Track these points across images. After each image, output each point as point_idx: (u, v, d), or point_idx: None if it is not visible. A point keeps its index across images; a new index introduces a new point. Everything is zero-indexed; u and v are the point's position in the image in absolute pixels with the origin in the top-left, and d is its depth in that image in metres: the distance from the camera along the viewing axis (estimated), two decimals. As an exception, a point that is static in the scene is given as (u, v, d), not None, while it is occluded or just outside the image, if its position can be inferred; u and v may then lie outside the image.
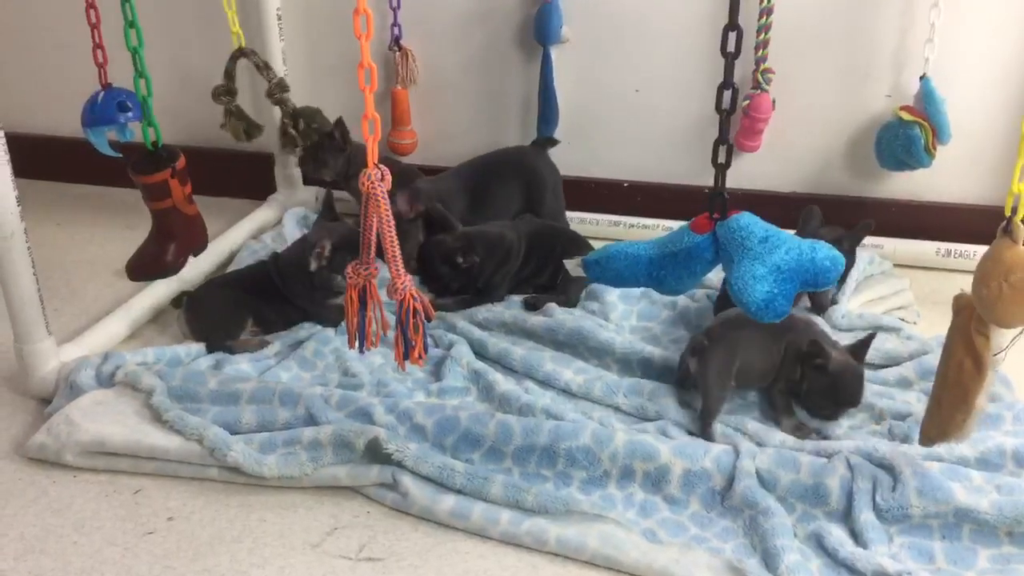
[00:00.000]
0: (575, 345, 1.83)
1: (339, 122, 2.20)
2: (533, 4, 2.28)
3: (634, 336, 1.87)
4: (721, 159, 1.37)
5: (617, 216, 2.34)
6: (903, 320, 1.94)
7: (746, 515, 1.42)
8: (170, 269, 2.08)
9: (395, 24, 2.36)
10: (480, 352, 1.82)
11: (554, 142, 2.26)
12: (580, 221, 2.29)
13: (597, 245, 1.76)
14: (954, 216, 2.22)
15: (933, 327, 1.87)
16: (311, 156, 2.23)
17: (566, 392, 1.72)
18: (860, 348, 1.63)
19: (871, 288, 2.05)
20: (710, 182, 1.41)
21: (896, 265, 2.15)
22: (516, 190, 2.19)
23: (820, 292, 1.92)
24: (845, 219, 1.99)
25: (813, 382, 1.61)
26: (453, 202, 2.14)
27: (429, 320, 1.37)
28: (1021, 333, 1.27)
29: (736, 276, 1.36)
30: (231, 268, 2.17)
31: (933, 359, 1.69)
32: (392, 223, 1.31)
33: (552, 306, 1.94)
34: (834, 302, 1.94)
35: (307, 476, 1.50)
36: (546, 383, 1.74)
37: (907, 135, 2.08)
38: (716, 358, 1.61)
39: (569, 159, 2.31)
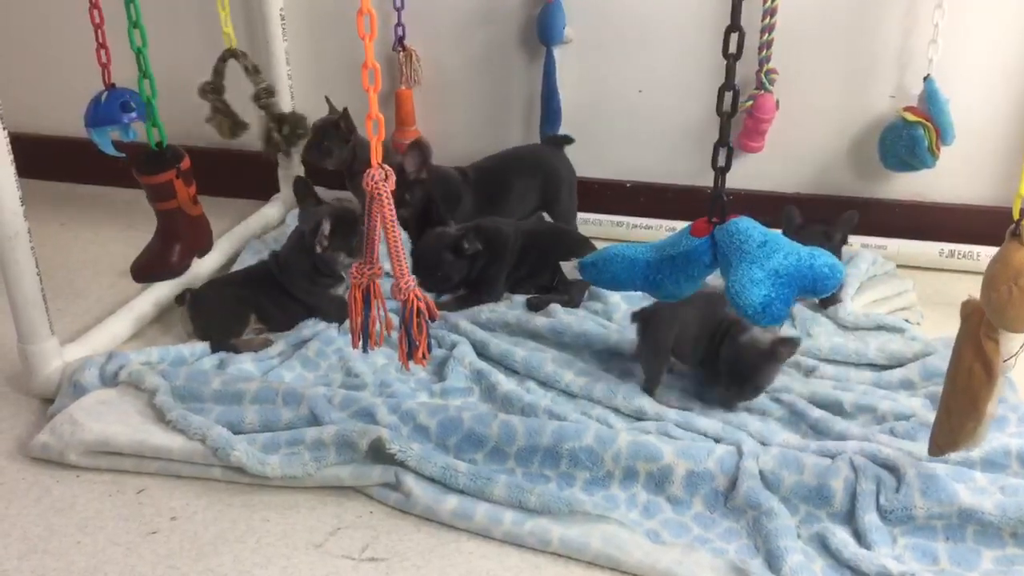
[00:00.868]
0: (577, 346, 1.83)
1: (344, 112, 2.20)
2: (536, 4, 2.28)
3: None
4: (720, 162, 1.37)
5: (619, 216, 2.34)
6: (907, 321, 1.94)
7: (749, 516, 1.42)
8: (175, 270, 2.09)
9: (399, 24, 2.36)
10: (482, 353, 1.82)
11: (569, 140, 2.26)
12: (583, 221, 2.29)
13: (599, 246, 1.76)
14: (957, 217, 2.22)
15: (937, 328, 1.87)
16: (315, 144, 2.23)
17: (566, 393, 1.71)
18: (785, 342, 1.62)
19: (874, 289, 2.05)
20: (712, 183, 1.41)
21: (899, 266, 2.15)
22: (534, 186, 2.19)
23: None
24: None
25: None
26: (468, 196, 2.15)
27: (433, 320, 1.37)
28: (1031, 337, 1.26)
29: (734, 280, 1.35)
30: (234, 268, 2.17)
31: (937, 360, 1.70)
32: (396, 223, 1.31)
33: (555, 307, 1.94)
34: (837, 300, 1.94)
35: (310, 476, 1.51)
36: (547, 384, 1.74)
37: (911, 136, 2.08)
38: (655, 327, 1.68)
39: (572, 159, 2.31)
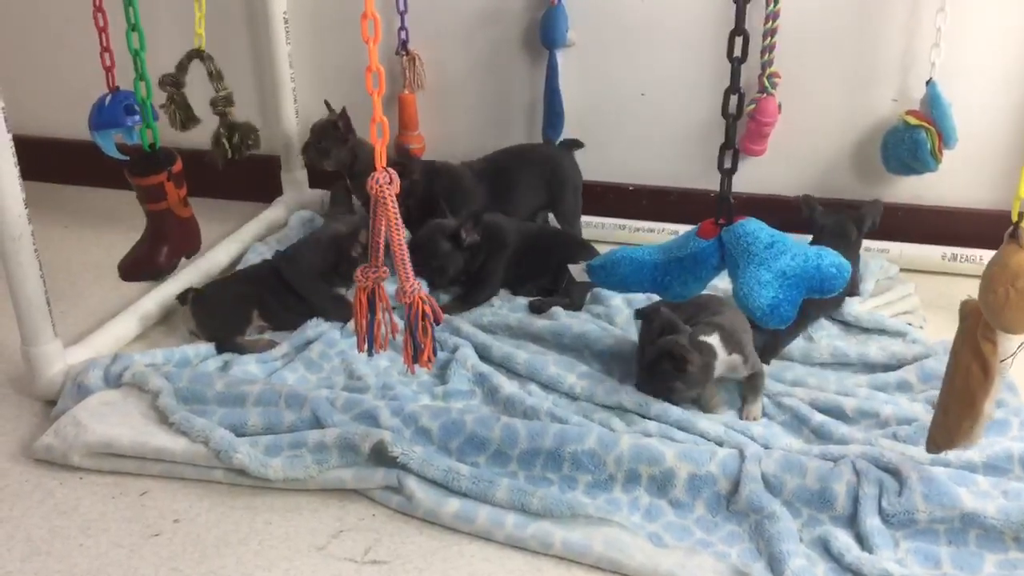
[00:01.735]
0: (579, 349, 1.83)
1: (342, 112, 2.20)
2: (539, 8, 2.28)
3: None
4: (727, 164, 1.37)
5: (623, 219, 2.34)
6: (909, 324, 1.94)
7: (751, 519, 1.42)
8: (162, 271, 2.10)
9: (402, 28, 2.37)
10: (484, 355, 1.82)
11: (579, 144, 2.26)
12: (586, 224, 2.29)
13: (602, 249, 1.76)
14: (960, 220, 2.22)
15: (939, 331, 1.87)
16: (313, 145, 2.23)
17: (569, 396, 1.71)
18: (694, 350, 1.62)
19: (878, 292, 2.05)
20: (716, 186, 1.41)
21: (902, 269, 2.15)
22: (540, 185, 2.20)
23: None
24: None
25: (647, 350, 1.67)
26: (474, 190, 2.16)
27: (438, 323, 1.37)
28: (1028, 339, 1.27)
29: (741, 282, 1.35)
30: (237, 269, 2.17)
31: (935, 363, 1.70)
32: (401, 226, 1.31)
33: (557, 310, 1.94)
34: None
35: (312, 478, 1.51)
36: (549, 387, 1.74)
37: (913, 139, 2.08)
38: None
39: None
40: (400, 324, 1.39)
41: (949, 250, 2.16)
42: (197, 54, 2.13)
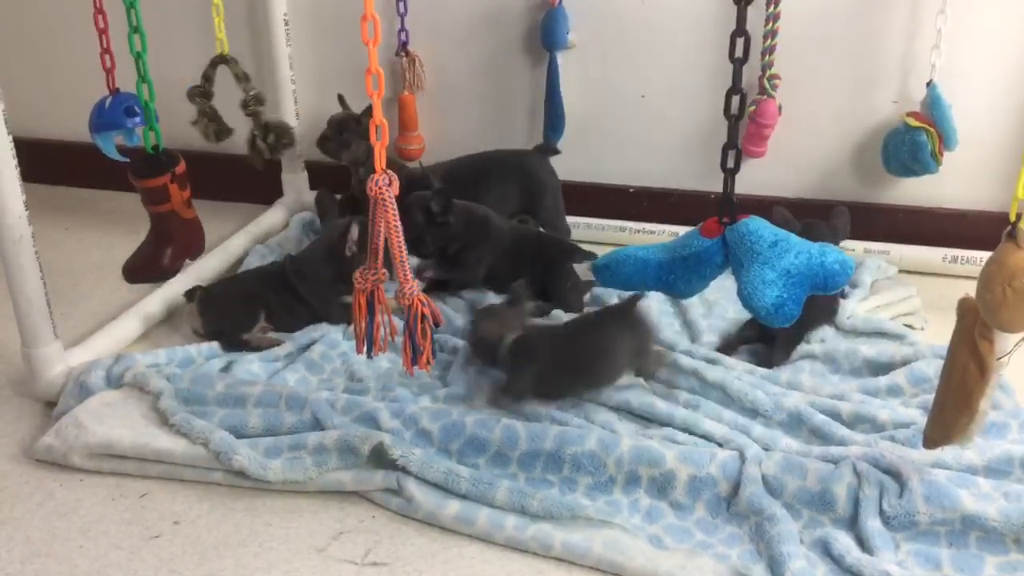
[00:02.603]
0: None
1: (367, 110, 2.19)
2: (539, 9, 2.28)
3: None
4: (730, 164, 1.37)
5: (623, 221, 2.34)
6: (910, 327, 1.94)
7: (752, 521, 1.42)
8: (166, 273, 2.10)
9: (402, 30, 2.37)
10: (486, 357, 1.82)
11: (556, 151, 2.26)
12: (586, 226, 2.29)
13: (603, 251, 1.76)
14: (961, 222, 2.22)
15: (940, 334, 1.85)
16: (335, 137, 2.23)
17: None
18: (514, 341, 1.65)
19: (878, 294, 2.04)
20: (716, 187, 1.41)
21: (902, 271, 2.15)
22: (513, 191, 2.18)
23: None
24: (851, 225, 1.98)
25: None
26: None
27: (438, 326, 1.37)
28: (1025, 338, 1.27)
29: (746, 281, 1.36)
30: (239, 271, 2.17)
31: (924, 365, 1.70)
32: (399, 228, 1.31)
33: (557, 312, 1.94)
34: (844, 296, 1.95)
35: (312, 480, 1.51)
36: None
37: (914, 141, 2.08)
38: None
39: (575, 164, 2.32)
40: (399, 326, 1.39)
41: (950, 252, 2.16)
42: (222, 59, 2.14)
